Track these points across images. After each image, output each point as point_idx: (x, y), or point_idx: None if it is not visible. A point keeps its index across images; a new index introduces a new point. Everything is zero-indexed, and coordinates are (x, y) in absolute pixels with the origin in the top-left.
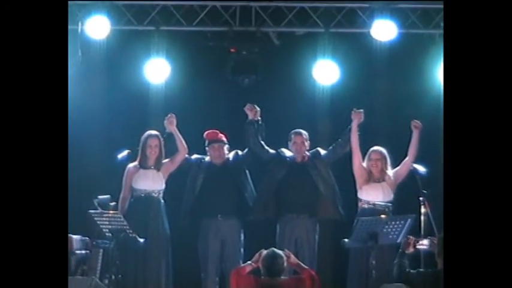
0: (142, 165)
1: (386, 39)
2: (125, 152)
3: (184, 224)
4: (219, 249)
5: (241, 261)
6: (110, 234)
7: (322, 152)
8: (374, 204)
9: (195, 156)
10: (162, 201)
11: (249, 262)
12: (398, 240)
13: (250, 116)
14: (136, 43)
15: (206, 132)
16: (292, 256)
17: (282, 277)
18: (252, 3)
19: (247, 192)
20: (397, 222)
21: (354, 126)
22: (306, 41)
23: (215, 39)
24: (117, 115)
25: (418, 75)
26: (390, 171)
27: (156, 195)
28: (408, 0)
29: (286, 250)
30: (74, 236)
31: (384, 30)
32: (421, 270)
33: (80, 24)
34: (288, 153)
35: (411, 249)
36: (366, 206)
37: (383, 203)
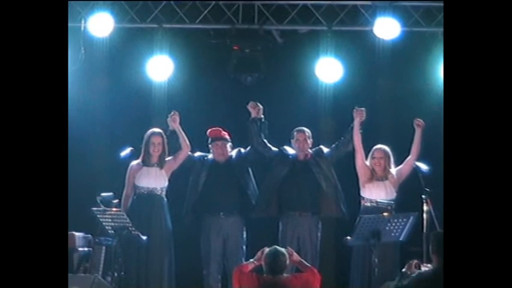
0: (145, 163)
1: (389, 37)
2: (128, 150)
3: (186, 221)
4: (221, 247)
5: (243, 259)
6: (113, 232)
7: (325, 150)
8: (377, 202)
9: (198, 153)
10: (165, 198)
11: (251, 260)
12: (401, 238)
13: (253, 114)
14: (139, 41)
15: (209, 130)
16: (295, 254)
17: (285, 275)
18: (254, 1)
19: (249, 189)
20: (400, 220)
21: (356, 124)
22: (309, 39)
23: (218, 37)
24: (120, 113)
25: (421, 73)
26: (393, 170)
27: (158, 193)
28: None
29: (288, 248)
30: (77, 234)
31: (386, 28)
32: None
33: (82, 22)
34: (290, 151)
35: (414, 270)
36: (368, 204)
37: (386, 201)
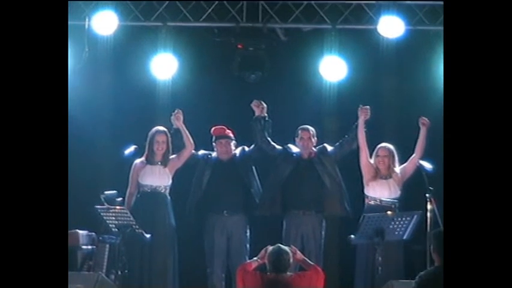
0: (149, 161)
1: (393, 35)
2: (132, 148)
3: (190, 219)
4: (225, 245)
5: (247, 257)
6: (117, 230)
7: (329, 148)
8: (381, 201)
9: (201, 152)
10: (169, 196)
11: (255, 258)
12: (405, 237)
13: (257, 112)
14: (143, 39)
15: (213, 128)
16: (298, 252)
17: (288, 273)
18: (259, 0)
19: (253, 188)
20: (404, 219)
21: (361, 122)
22: (313, 37)
23: (222, 35)
24: (123, 111)
25: (425, 72)
26: (397, 168)
27: (162, 191)
28: None
29: (292, 246)
30: (81, 232)
31: (391, 26)
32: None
33: (86, 20)
34: (294, 149)
35: None
36: (372, 202)
37: (389, 200)
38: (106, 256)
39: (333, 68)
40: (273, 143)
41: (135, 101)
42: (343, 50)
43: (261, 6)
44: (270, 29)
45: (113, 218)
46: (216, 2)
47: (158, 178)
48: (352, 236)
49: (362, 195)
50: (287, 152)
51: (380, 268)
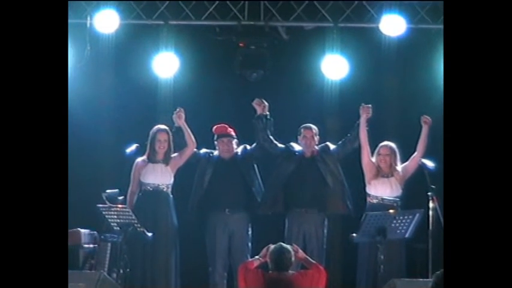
0: (151, 160)
1: (395, 34)
2: (134, 146)
3: (192, 218)
4: (227, 244)
5: (248, 256)
6: (118, 228)
7: (331, 146)
8: (382, 199)
9: (203, 150)
10: (171, 195)
11: (256, 257)
12: (407, 235)
13: (259, 111)
14: (145, 37)
15: (215, 127)
16: (300, 251)
17: (290, 271)
18: None
19: (255, 186)
20: (405, 217)
21: (363, 121)
22: (315, 36)
23: (224, 34)
24: (125, 109)
25: (427, 70)
26: (399, 167)
27: (164, 190)
28: None
29: (294, 245)
30: (83, 230)
31: (392, 25)
32: None
33: (88, 18)
34: (297, 147)
35: None
36: (374, 201)
37: (391, 198)
38: (108, 255)
39: (334, 67)
40: (275, 142)
41: (137, 99)
42: (345, 48)
43: (263, 4)
44: (272, 28)
45: (115, 217)
46: (218, 0)
47: (160, 177)
48: (354, 234)
49: (364, 194)
50: (289, 151)
51: (382, 266)
